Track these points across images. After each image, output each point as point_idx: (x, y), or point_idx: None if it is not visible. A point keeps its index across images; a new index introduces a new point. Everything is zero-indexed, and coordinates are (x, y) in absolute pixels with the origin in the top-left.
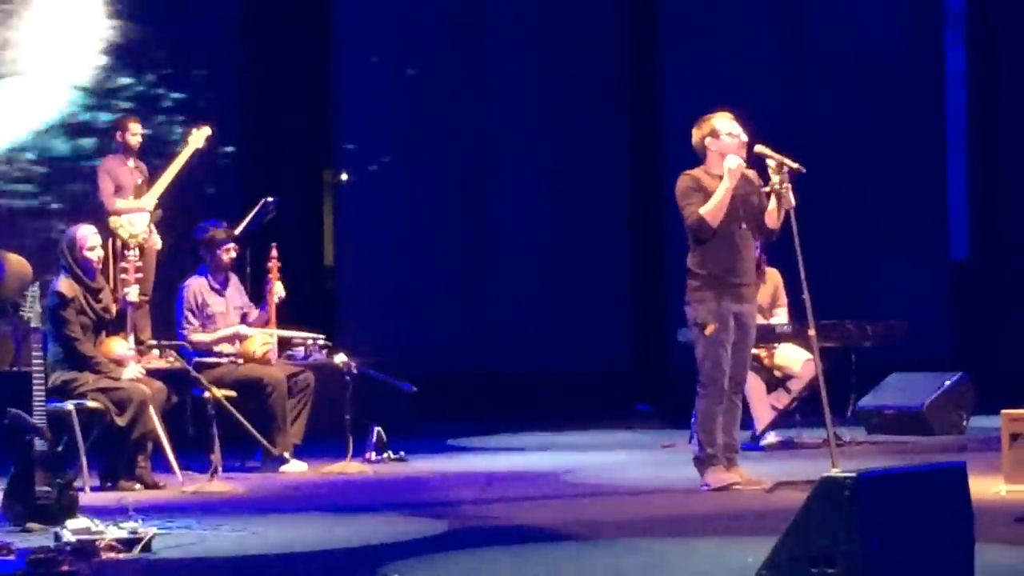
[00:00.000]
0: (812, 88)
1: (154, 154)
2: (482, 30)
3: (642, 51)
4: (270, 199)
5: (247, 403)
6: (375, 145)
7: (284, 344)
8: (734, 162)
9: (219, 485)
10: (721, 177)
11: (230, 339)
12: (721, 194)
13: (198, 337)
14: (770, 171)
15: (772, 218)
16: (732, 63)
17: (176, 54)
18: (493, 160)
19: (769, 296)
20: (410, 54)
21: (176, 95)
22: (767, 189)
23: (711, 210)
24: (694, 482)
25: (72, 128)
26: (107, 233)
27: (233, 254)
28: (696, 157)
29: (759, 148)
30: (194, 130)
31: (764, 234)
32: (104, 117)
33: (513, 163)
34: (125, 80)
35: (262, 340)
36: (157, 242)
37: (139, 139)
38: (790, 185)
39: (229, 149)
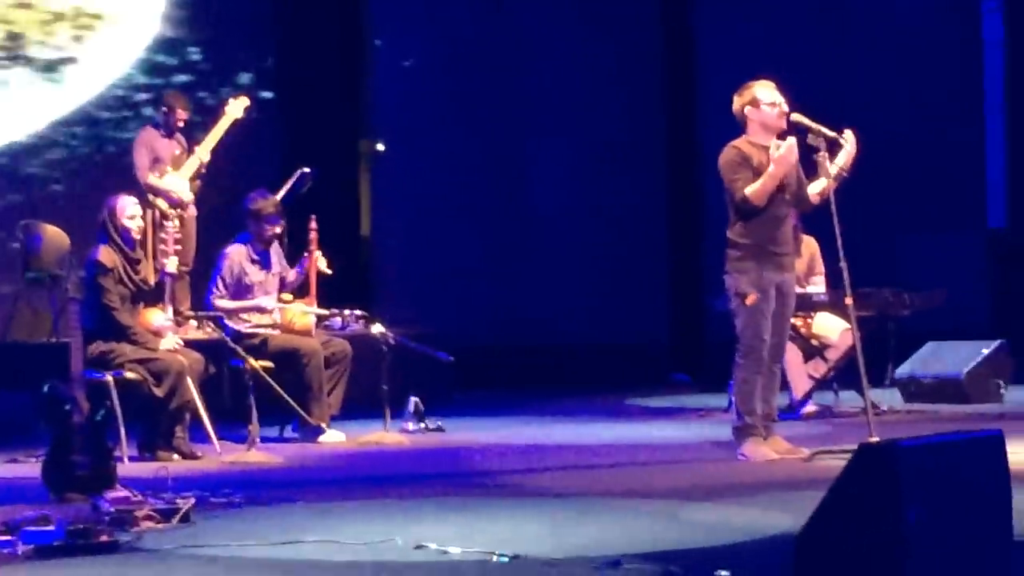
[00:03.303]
0: (848, 56)
1: (192, 126)
2: (519, 0)
3: (678, 20)
4: (307, 170)
5: (284, 373)
6: (412, 115)
7: (321, 315)
8: (792, 154)
9: (257, 455)
10: (763, 147)
11: (251, 310)
12: (768, 179)
13: (222, 303)
14: (809, 140)
15: (816, 195)
16: (769, 31)
17: (212, 23)
18: (530, 131)
19: (805, 265)
20: (447, 24)
21: (211, 65)
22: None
23: (757, 192)
24: (731, 451)
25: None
26: (146, 204)
27: (279, 230)
28: (735, 126)
29: (796, 117)
30: (231, 100)
31: (802, 207)
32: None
33: (550, 133)
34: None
35: (301, 311)
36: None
37: (183, 123)
38: (827, 154)
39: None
